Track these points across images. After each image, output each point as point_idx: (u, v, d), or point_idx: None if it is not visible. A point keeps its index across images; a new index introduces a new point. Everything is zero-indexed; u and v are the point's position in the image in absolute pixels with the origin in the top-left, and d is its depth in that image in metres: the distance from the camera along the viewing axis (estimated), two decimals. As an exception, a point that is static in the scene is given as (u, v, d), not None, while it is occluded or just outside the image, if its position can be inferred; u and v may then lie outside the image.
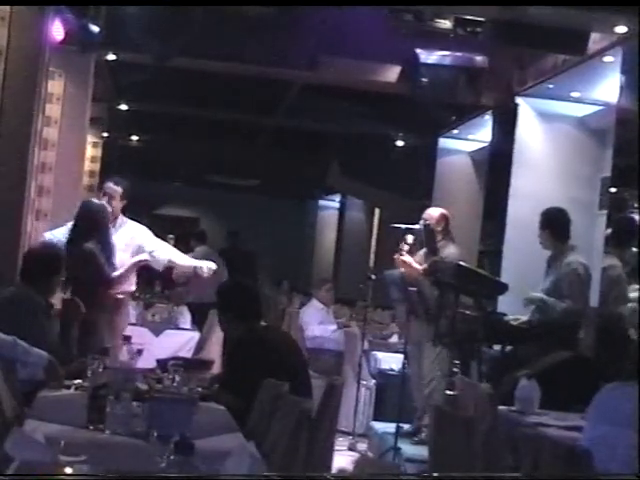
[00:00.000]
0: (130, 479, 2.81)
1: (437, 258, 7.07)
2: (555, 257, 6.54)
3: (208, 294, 10.34)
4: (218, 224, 18.06)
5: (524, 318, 6.48)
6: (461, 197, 10.09)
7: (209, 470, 2.96)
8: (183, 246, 12.38)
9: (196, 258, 10.78)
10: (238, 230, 14.13)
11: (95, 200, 6.95)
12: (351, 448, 7.67)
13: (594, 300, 6.54)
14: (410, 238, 7.30)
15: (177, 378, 4.20)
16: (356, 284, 9.83)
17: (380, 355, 8.44)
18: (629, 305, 6.53)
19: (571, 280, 6.35)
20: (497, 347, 6.68)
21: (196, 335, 9.22)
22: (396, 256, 7.23)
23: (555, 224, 6.57)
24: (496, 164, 9.16)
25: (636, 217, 7.28)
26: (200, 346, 9.40)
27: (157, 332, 8.77)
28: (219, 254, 11.35)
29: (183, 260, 7.42)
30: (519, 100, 8.33)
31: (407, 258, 7.20)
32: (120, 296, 6.78)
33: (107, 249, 6.50)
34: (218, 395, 4.61)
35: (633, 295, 6.60)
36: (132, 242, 7.02)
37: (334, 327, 9.43)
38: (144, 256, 6.91)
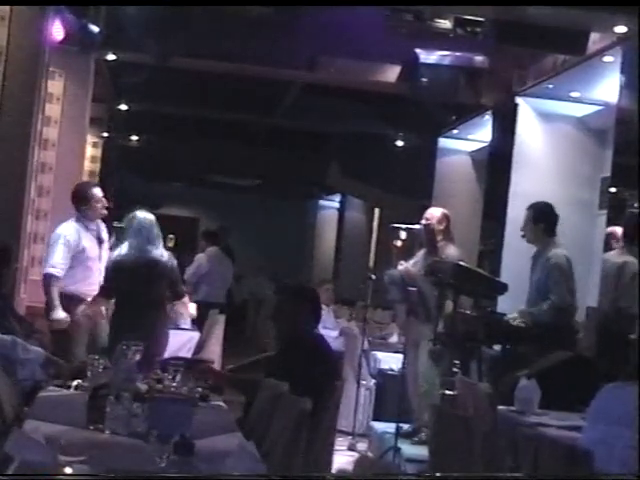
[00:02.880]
0: (130, 479, 2.81)
1: (437, 258, 7.07)
2: (540, 252, 6.48)
3: (208, 294, 10.42)
4: (218, 224, 18.06)
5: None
6: (461, 197, 10.08)
7: (209, 470, 2.97)
8: (185, 247, 12.30)
9: (209, 258, 10.69)
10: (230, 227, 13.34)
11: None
12: (351, 448, 7.66)
13: (593, 300, 6.52)
14: (403, 234, 7.32)
15: (177, 378, 4.20)
16: (356, 284, 9.82)
17: (380, 355, 8.43)
18: None
19: (555, 275, 6.28)
20: (497, 347, 6.68)
21: (196, 335, 9.21)
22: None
23: (548, 218, 6.51)
24: (496, 164, 9.15)
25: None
26: (200, 346, 9.41)
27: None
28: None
29: None
30: (519, 100, 8.31)
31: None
32: None
33: None
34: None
35: None
36: None
37: (336, 333, 9.43)
38: None
